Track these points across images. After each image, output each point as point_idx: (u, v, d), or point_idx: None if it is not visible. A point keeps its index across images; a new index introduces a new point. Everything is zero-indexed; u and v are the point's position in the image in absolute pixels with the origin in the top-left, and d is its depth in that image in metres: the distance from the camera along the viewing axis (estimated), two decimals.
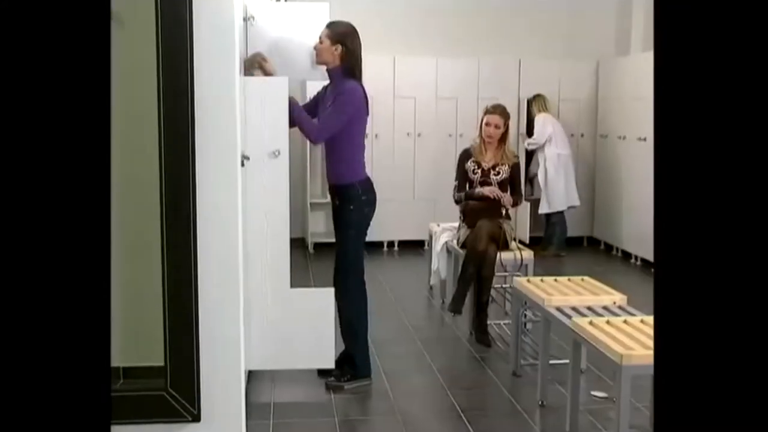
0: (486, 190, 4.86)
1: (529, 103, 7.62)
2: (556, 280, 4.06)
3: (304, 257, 7.33)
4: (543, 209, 7.42)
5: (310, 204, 7.68)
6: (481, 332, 4.73)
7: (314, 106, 3.98)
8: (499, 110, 4.96)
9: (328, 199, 7.62)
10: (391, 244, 7.85)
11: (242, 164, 2.83)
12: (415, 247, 7.77)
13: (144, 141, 2.35)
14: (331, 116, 3.78)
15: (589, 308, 3.57)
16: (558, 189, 7.38)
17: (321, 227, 7.92)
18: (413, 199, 7.79)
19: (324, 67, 3.88)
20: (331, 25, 3.82)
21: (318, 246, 7.62)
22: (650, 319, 3.29)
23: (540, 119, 7.40)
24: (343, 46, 3.76)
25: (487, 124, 4.94)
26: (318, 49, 3.82)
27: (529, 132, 7.69)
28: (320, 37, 3.80)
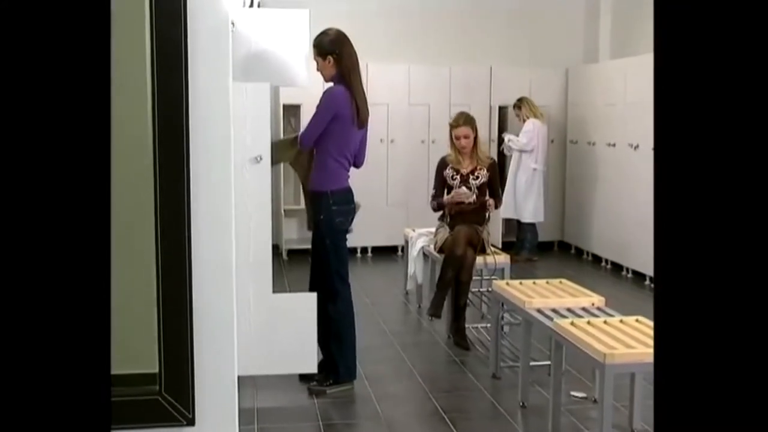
0: (461, 195, 4.89)
1: (515, 106, 7.56)
2: (534, 282, 4.13)
3: (279, 264, 7.31)
4: (508, 213, 7.48)
5: (284, 211, 7.68)
6: (459, 336, 4.78)
7: None
8: (463, 120, 4.99)
9: (301, 205, 7.71)
10: (364, 250, 7.87)
11: None
12: (389, 253, 7.80)
13: (132, 144, 2.35)
14: (311, 121, 3.85)
15: (569, 310, 3.63)
16: (528, 200, 7.45)
17: (294, 234, 7.91)
18: (386, 205, 7.82)
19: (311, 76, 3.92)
20: (314, 42, 3.86)
21: (292, 253, 7.62)
22: (630, 319, 3.36)
23: (530, 125, 7.38)
24: (332, 54, 3.79)
25: (457, 138, 4.97)
26: (319, 71, 3.88)
27: (502, 138, 7.78)
28: (314, 58, 3.86)
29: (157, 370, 2.39)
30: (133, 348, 2.41)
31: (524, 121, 7.44)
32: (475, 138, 4.99)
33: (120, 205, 2.31)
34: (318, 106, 3.84)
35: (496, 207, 5.05)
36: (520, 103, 7.49)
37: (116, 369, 2.35)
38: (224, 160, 2.33)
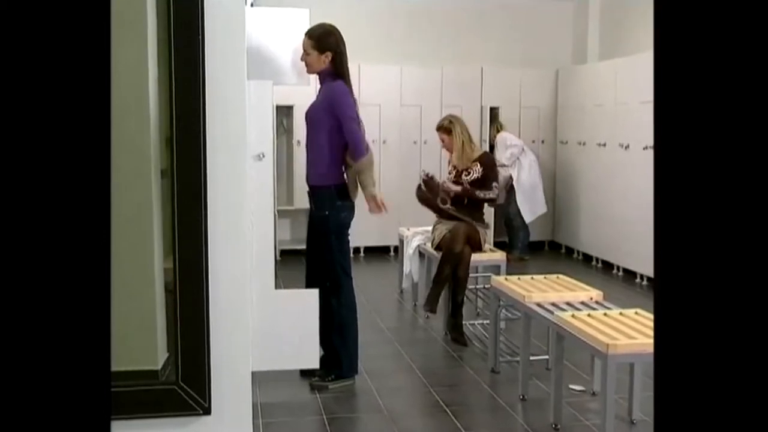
0: (448, 188, 5.06)
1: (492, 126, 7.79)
2: (532, 278, 4.18)
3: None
4: (528, 217, 7.56)
5: (277, 211, 7.69)
6: (457, 332, 4.83)
7: None
8: (438, 125, 5.26)
9: (294, 206, 7.73)
10: (356, 250, 7.90)
11: None
12: (381, 253, 7.85)
13: (149, 140, 2.38)
14: (349, 126, 3.81)
15: (568, 303, 3.69)
16: (538, 194, 7.57)
17: (287, 234, 7.94)
18: None
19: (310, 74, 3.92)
20: (312, 35, 3.80)
21: (285, 253, 7.64)
22: (629, 311, 3.43)
23: (502, 136, 7.58)
24: (333, 51, 3.81)
25: (440, 141, 5.31)
26: (306, 62, 3.79)
27: (493, 138, 7.87)
28: (305, 49, 3.78)
29: (159, 367, 2.43)
30: (130, 344, 2.43)
31: (496, 136, 7.61)
32: (460, 135, 5.09)
33: (135, 204, 2.34)
34: (340, 109, 3.81)
35: (488, 198, 5.09)
36: (491, 124, 7.69)
37: (121, 366, 2.36)
38: (239, 156, 2.36)
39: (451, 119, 5.21)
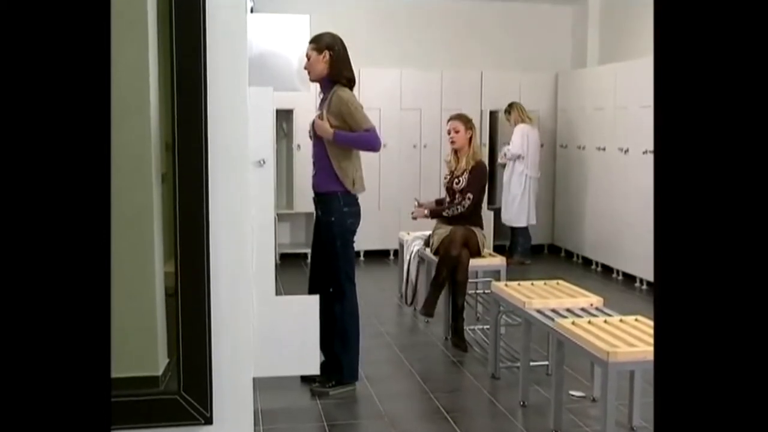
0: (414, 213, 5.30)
1: (506, 111, 7.62)
2: (532, 284, 4.19)
3: None
4: (504, 219, 7.59)
5: (277, 215, 7.68)
6: (458, 337, 4.83)
7: None
8: (456, 115, 5.21)
9: (294, 209, 7.73)
10: (356, 254, 7.88)
11: None
12: (381, 257, 7.85)
13: (150, 147, 2.39)
14: (357, 117, 3.89)
15: (568, 310, 3.69)
16: (521, 206, 7.51)
17: (287, 238, 7.93)
18: (378, 209, 7.85)
19: (310, 80, 3.94)
20: (313, 39, 3.89)
21: (284, 257, 7.64)
22: (629, 318, 3.43)
23: (519, 131, 7.44)
24: (330, 50, 3.83)
25: (448, 132, 5.18)
26: (308, 66, 3.86)
27: (493, 142, 7.85)
28: (306, 54, 3.85)
29: (159, 373, 2.43)
30: (130, 351, 2.43)
31: (515, 125, 7.51)
32: (471, 139, 5.07)
33: (135, 208, 2.34)
34: (352, 119, 3.87)
35: (453, 215, 5.03)
36: (510, 108, 7.56)
37: (121, 372, 2.35)
38: (240, 162, 2.36)
39: (471, 119, 5.21)
